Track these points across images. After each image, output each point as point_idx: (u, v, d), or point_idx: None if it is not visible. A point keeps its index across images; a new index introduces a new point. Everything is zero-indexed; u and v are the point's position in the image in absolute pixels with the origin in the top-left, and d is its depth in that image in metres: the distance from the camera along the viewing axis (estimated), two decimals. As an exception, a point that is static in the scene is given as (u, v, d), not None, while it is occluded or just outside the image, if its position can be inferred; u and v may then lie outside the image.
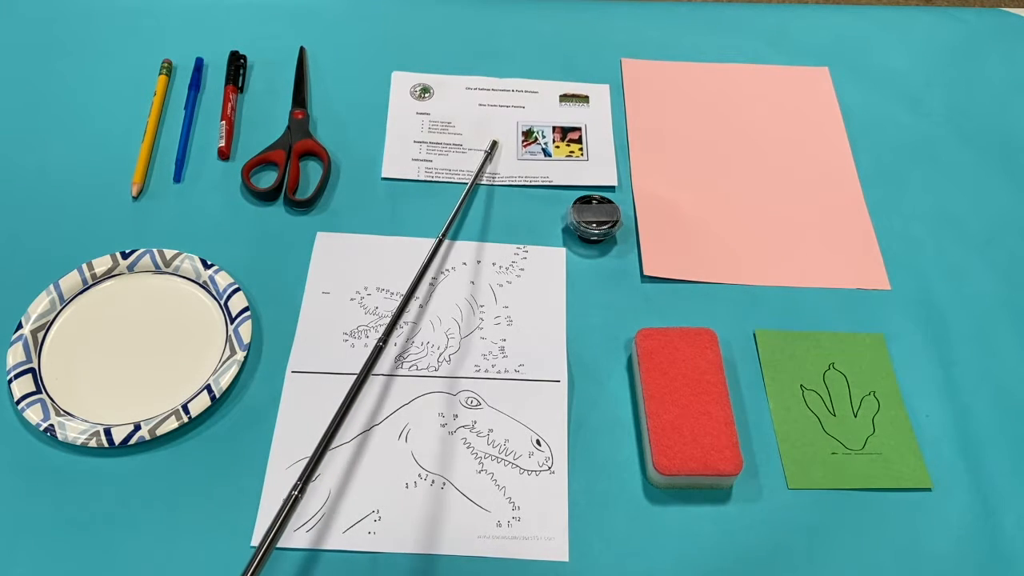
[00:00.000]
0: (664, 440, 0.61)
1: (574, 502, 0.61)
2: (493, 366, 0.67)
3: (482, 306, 0.70)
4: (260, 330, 0.68)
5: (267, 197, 0.76)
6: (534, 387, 0.66)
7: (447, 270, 0.72)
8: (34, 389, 0.63)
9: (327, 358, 0.66)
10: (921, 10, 0.96)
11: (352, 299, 0.70)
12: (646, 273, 0.72)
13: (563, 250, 0.74)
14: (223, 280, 0.69)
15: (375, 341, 0.67)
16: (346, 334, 0.68)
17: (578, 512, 0.61)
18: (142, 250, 0.70)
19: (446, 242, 0.74)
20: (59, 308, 0.67)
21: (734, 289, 0.72)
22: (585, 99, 0.85)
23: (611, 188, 0.78)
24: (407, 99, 0.84)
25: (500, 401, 0.65)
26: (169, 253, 0.70)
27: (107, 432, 0.61)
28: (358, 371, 0.63)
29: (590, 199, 0.75)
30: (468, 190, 0.75)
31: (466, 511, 0.60)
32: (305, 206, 0.75)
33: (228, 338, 0.67)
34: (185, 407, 0.62)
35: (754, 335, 0.69)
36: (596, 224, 0.73)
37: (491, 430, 0.64)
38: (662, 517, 0.61)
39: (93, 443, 0.60)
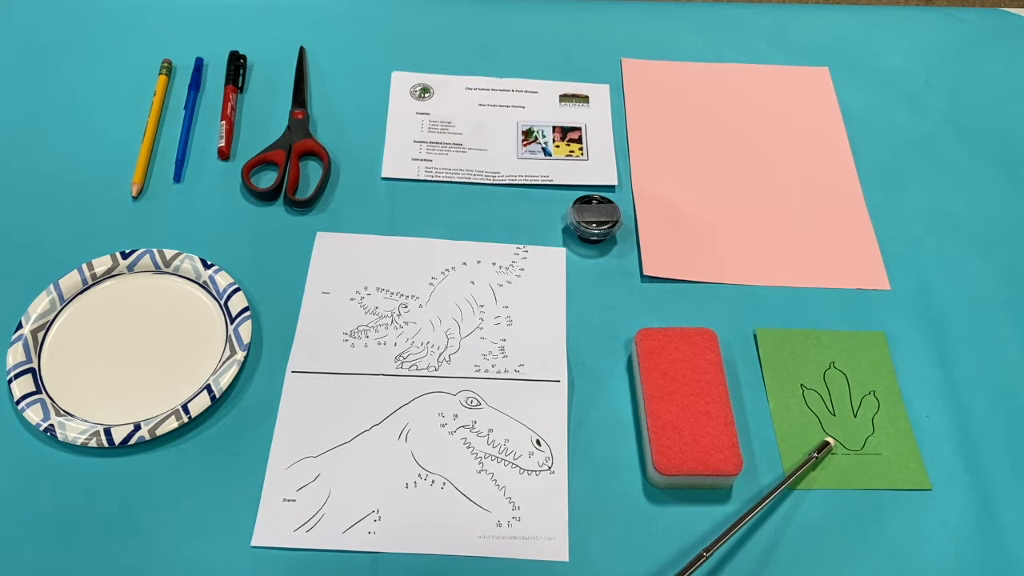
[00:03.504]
0: (664, 440, 0.61)
1: (574, 502, 0.61)
2: (493, 366, 0.67)
3: (482, 306, 0.70)
4: (260, 330, 0.68)
5: (267, 197, 0.76)
6: (534, 387, 0.66)
7: (447, 270, 0.72)
8: (34, 389, 0.63)
9: (327, 358, 0.66)
10: (921, 10, 0.96)
11: (352, 299, 0.70)
12: (646, 273, 0.72)
13: (563, 250, 0.74)
14: (223, 280, 0.69)
15: (375, 341, 0.67)
16: (346, 334, 0.68)
17: (578, 512, 0.61)
18: (142, 250, 0.70)
19: (447, 242, 0.74)
20: (59, 308, 0.67)
21: (734, 289, 0.72)
22: (585, 99, 0.85)
23: (611, 188, 0.78)
24: (407, 99, 0.84)
25: (500, 401, 0.65)
26: (169, 253, 0.70)
27: (107, 432, 0.61)
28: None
29: (590, 199, 0.75)
30: (773, 493, 0.60)
31: (466, 511, 0.60)
32: (305, 206, 0.75)
33: (228, 338, 0.66)
34: (185, 407, 0.62)
35: (754, 335, 0.69)
36: (596, 224, 0.73)
37: (491, 430, 0.63)
38: (662, 517, 0.61)
39: (93, 443, 0.60)
